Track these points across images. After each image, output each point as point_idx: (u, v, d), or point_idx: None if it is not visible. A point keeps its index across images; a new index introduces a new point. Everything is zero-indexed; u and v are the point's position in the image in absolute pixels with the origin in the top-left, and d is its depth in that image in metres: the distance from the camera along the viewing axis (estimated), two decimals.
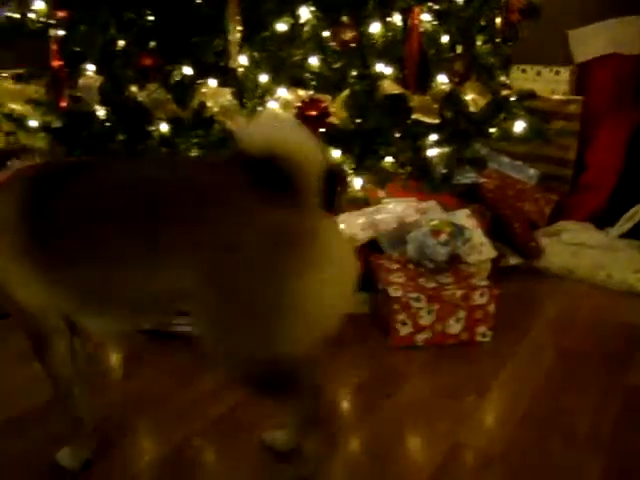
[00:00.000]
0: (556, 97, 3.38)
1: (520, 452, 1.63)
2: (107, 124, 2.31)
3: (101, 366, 2.00)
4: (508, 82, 2.64)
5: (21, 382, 1.87)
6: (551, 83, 3.50)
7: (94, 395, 1.55)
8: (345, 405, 1.87)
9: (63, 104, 2.39)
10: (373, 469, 1.58)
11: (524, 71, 3.55)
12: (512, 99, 2.69)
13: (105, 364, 2.03)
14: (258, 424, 1.68)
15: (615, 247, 2.72)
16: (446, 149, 2.40)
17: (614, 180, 3.17)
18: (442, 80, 2.34)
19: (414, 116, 2.19)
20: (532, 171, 3.18)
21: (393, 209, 2.50)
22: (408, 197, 2.63)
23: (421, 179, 2.45)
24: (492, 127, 2.57)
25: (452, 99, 2.31)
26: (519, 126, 2.61)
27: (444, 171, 2.42)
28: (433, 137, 2.43)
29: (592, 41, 3.21)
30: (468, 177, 2.73)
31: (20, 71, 2.60)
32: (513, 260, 2.68)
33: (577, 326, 2.32)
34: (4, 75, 2.97)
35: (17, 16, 2.41)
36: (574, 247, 2.75)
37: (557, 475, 1.57)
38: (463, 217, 2.55)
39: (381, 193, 2.62)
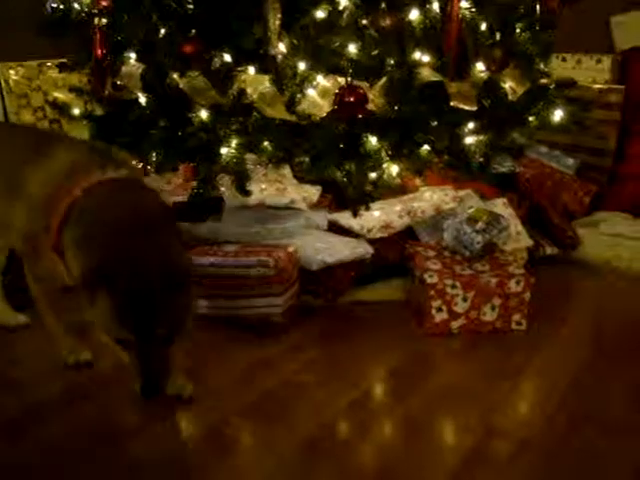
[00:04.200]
0: (597, 86, 3.34)
1: (554, 439, 1.63)
2: (148, 111, 2.37)
3: None
4: (547, 70, 2.61)
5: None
6: (592, 72, 3.45)
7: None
8: (379, 389, 1.89)
9: (106, 92, 2.44)
10: (406, 452, 1.60)
11: (564, 59, 3.51)
12: (551, 87, 2.67)
13: None
14: (295, 404, 1.72)
15: None
16: (483, 137, 2.38)
17: None
18: (480, 68, 2.33)
19: (452, 103, 2.18)
20: (571, 161, 3.15)
21: (430, 197, 2.51)
22: (445, 185, 2.63)
23: (458, 167, 2.45)
24: (530, 115, 2.55)
25: (490, 87, 2.30)
26: (558, 115, 2.59)
27: (481, 159, 2.41)
28: (470, 125, 2.42)
29: (635, 28, 3.16)
30: (505, 166, 2.72)
31: (64, 60, 2.66)
32: (550, 250, 2.66)
33: (613, 317, 2.30)
34: (49, 64, 3.05)
35: (62, 7, 2.47)
36: (612, 238, 2.72)
37: (591, 463, 1.57)
38: (500, 206, 2.54)
39: (418, 181, 2.63)
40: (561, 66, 3.49)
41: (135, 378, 1.47)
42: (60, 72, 2.76)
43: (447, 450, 1.62)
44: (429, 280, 2.07)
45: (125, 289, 1.42)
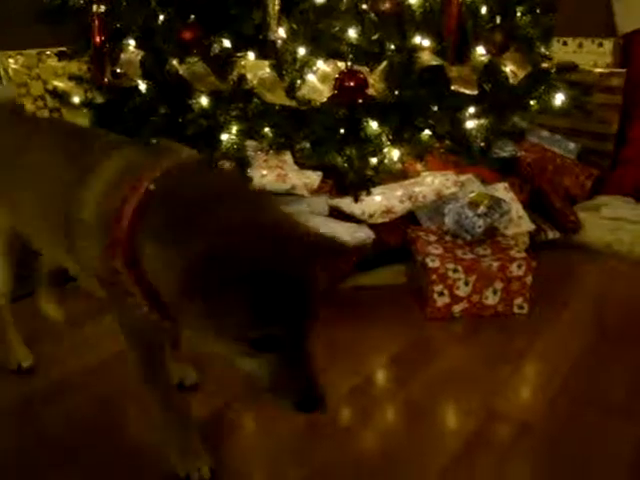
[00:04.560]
0: (598, 70, 3.32)
1: (556, 423, 1.64)
2: (148, 98, 2.36)
3: None
4: (548, 54, 2.59)
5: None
6: (593, 55, 3.44)
7: None
8: (381, 374, 1.90)
9: (105, 80, 2.43)
10: (408, 436, 1.60)
11: (565, 43, 3.49)
12: (552, 71, 2.66)
13: None
14: None
15: None
16: (484, 121, 2.37)
17: None
18: (481, 52, 2.31)
19: (452, 87, 2.17)
20: (572, 145, 3.14)
21: (431, 182, 2.50)
22: (446, 170, 2.62)
23: (459, 152, 2.44)
24: (531, 99, 2.54)
25: (491, 71, 2.29)
26: (559, 99, 2.58)
27: (482, 144, 2.40)
28: (471, 109, 2.41)
29: (637, 11, 3.14)
30: (507, 150, 2.71)
31: (63, 49, 2.65)
32: (551, 234, 2.65)
33: (614, 301, 2.30)
34: (48, 53, 3.04)
35: None
36: (613, 222, 2.71)
37: (592, 445, 1.57)
38: (501, 190, 2.54)
39: (419, 166, 2.62)
40: (562, 50, 3.48)
41: (279, 390, 1.13)
42: (59, 60, 2.74)
43: (449, 434, 1.63)
44: (431, 264, 2.08)
45: (264, 274, 1.06)
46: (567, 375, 1.84)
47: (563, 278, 2.45)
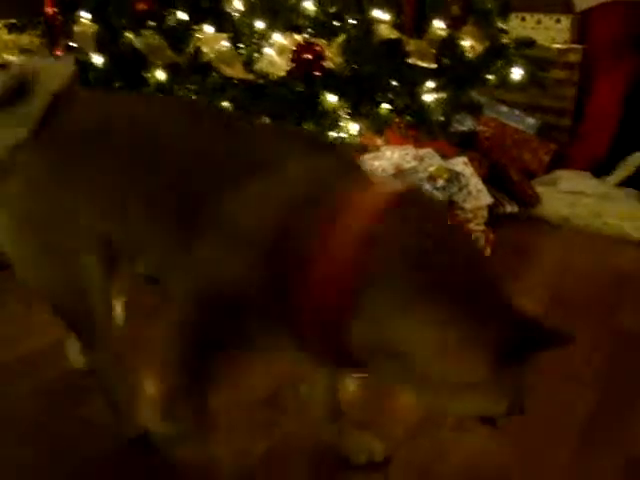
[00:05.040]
0: (556, 46, 3.36)
1: None
2: (103, 72, 2.32)
3: None
4: (506, 29, 2.61)
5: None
6: (551, 31, 3.47)
7: None
8: None
9: (59, 53, 2.38)
10: (370, 406, 1.61)
11: (524, 19, 3.52)
12: (510, 46, 2.68)
13: None
14: (259, 364, 1.72)
15: (611, 196, 2.73)
16: (443, 95, 2.38)
17: (613, 129, 3.16)
18: (439, 25, 2.32)
19: (410, 61, 2.18)
20: (531, 120, 3.17)
21: (390, 156, 2.50)
22: (406, 144, 2.63)
23: (418, 126, 2.45)
24: (490, 74, 2.56)
25: (449, 44, 2.30)
26: (517, 74, 2.60)
27: (441, 118, 2.41)
28: (430, 83, 2.42)
29: None
30: (466, 125, 2.74)
31: (14, 21, 2.58)
32: (510, 208, 2.69)
33: (571, 273, 2.34)
34: None
35: None
36: (571, 196, 2.76)
37: (547, 411, 1.60)
38: (460, 164, 2.55)
39: (379, 141, 2.62)
40: (521, 26, 3.50)
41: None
42: (10, 33, 2.67)
43: (409, 406, 1.64)
44: None
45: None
46: None
47: (521, 251, 2.49)
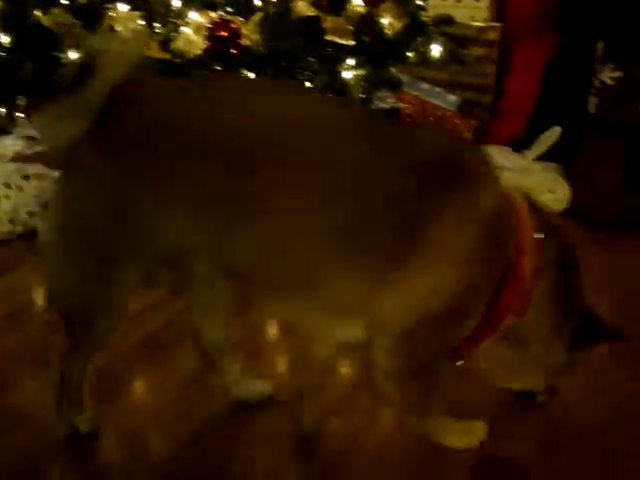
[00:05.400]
0: (475, 23, 3.40)
1: None
2: (11, 53, 2.23)
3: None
4: (424, 6, 2.63)
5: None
6: (471, 10, 3.51)
7: None
8: (268, 326, 1.90)
9: None
10: (292, 382, 1.62)
11: None
12: (430, 24, 2.71)
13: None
14: (177, 345, 1.71)
15: (531, 169, 2.79)
16: (363, 72, 2.39)
17: (532, 105, 3.23)
18: (357, 2, 2.32)
19: (328, 38, 2.18)
20: (453, 97, 3.21)
21: None
22: None
23: None
24: (409, 51, 2.58)
25: (367, 21, 2.31)
26: (436, 51, 2.63)
27: (362, 95, 2.42)
28: (351, 61, 2.43)
29: None
30: (388, 102, 2.75)
31: None
32: None
33: None
34: None
35: None
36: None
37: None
38: None
39: None
40: (441, 4, 3.52)
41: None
42: None
43: (338, 378, 1.65)
44: None
45: None
46: None
47: None
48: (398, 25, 2.43)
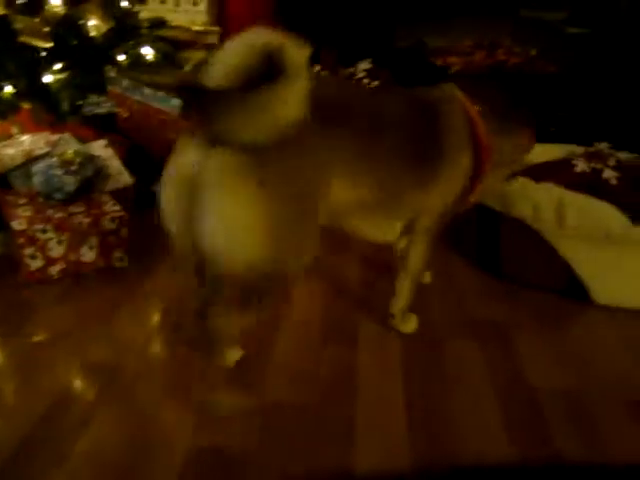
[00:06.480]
0: (195, 28, 3.46)
1: (142, 359, 1.70)
2: None
3: None
4: (132, 8, 2.61)
5: None
6: (191, 14, 3.56)
7: None
8: None
9: None
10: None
11: (163, 1, 3.56)
12: (143, 27, 2.69)
13: None
14: None
15: None
16: (67, 76, 2.31)
17: None
18: (56, 3, 2.24)
19: (21, 39, 2.07)
20: (174, 101, 3.21)
21: (20, 143, 2.37)
22: (42, 131, 2.50)
23: (47, 109, 2.35)
24: (121, 54, 2.54)
25: (68, 23, 2.23)
26: (149, 54, 2.62)
27: (71, 100, 2.34)
28: (57, 65, 2.33)
29: None
30: (104, 107, 2.69)
31: None
32: (156, 187, 2.71)
33: None
34: None
35: None
36: None
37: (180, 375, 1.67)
38: (99, 147, 2.51)
39: (13, 128, 2.47)
40: (161, 8, 3.54)
41: None
42: None
43: (39, 393, 1.58)
44: (17, 227, 1.98)
45: None
46: (163, 314, 1.92)
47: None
48: (104, 27, 2.38)
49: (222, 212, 1.34)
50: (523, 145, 1.96)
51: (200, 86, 1.28)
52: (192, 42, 3.39)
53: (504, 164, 1.93)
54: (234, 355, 1.71)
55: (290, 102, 1.28)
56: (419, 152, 1.65)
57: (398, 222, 1.82)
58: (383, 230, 1.83)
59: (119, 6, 2.50)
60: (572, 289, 2.15)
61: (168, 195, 1.47)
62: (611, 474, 1.47)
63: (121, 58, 2.56)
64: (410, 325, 1.93)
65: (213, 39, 3.42)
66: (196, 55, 3.43)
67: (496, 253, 2.15)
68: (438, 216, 1.79)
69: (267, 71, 1.24)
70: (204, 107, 1.28)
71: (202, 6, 3.53)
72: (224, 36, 3.45)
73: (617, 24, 3.25)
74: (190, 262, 1.59)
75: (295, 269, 1.50)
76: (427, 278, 2.18)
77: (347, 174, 1.53)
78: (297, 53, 1.27)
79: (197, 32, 3.43)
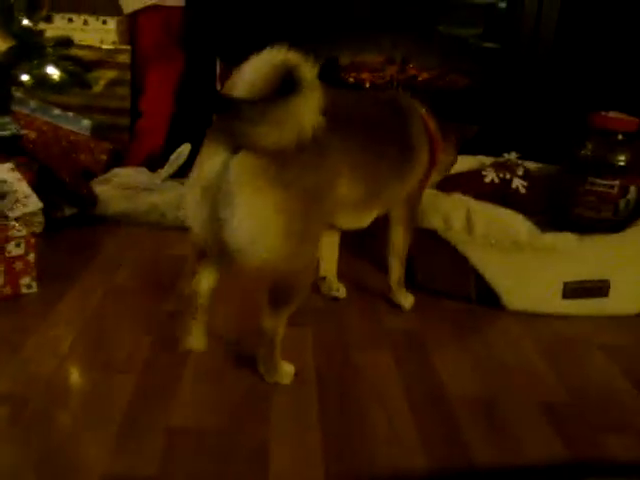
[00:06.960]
0: (105, 47, 3.40)
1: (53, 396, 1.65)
2: None
3: None
4: (34, 27, 2.55)
5: None
6: (99, 33, 3.49)
7: None
8: None
9: None
10: None
11: (71, 20, 3.47)
12: (47, 46, 2.63)
13: None
14: None
15: (166, 187, 2.86)
16: None
17: (166, 124, 3.33)
18: None
19: None
20: (85, 122, 3.16)
21: None
22: None
23: None
24: (24, 74, 2.47)
25: None
26: (55, 74, 2.56)
27: None
28: None
29: None
30: (8, 129, 2.60)
31: None
32: (68, 210, 2.65)
33: (129, 265, 2.39)
34: None
35: None
36: (130, 191, 2.82)
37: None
38: (6, 171, 2.43)
39: None
40: (69, 26, 3.46)
41: None
42: None
43: None
44: None
45: None
46: (74, 341, 1.86)
47: (80, 251, 2.47)
48: (4, 46, 2.31)
49: (250, 210, 1.46)
50: (452, 152, 2.17)
51: (230, 97, 1.44)
52: (103, 61, 3.33)
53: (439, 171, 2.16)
54: (289, 369, 1.72)
55: (308, 110, 1.43)
56: (399, 149, 1.89)
57: (376, 212, 1.99)
58: (362, 220, 1.98)
59: (20, 24, 2.43)
60: (484, 296, 2.20)
61: (194, 196, 1.54)
62: (524, 476, 1.51)
63: (25, 78, 2.48)
64: (409, 300, 2.15)
65: (125, 58, 3.36)
66: (107, 74, 3.38)
67: (409, 263, 2.19)
68: (411, 204, 2.06)
69: (283, 85, 1.40)
70: (234, 116, 1.43)
71: (112, 25, 3.47)
72: (136, 55, 3.40)
73: (524, 40, 3.38)
74: (212, 261, 1.70)
75: (311, 264, 1.67)
76: (342, 293, 2.20)
77: (351, 173, 1.69)
78: (310, 69, 1.43)
79: (107, 51, 3.37)
